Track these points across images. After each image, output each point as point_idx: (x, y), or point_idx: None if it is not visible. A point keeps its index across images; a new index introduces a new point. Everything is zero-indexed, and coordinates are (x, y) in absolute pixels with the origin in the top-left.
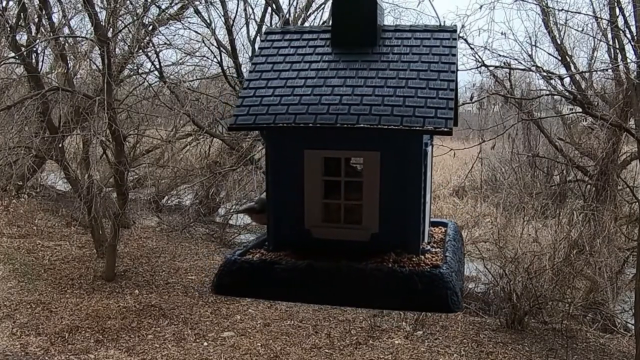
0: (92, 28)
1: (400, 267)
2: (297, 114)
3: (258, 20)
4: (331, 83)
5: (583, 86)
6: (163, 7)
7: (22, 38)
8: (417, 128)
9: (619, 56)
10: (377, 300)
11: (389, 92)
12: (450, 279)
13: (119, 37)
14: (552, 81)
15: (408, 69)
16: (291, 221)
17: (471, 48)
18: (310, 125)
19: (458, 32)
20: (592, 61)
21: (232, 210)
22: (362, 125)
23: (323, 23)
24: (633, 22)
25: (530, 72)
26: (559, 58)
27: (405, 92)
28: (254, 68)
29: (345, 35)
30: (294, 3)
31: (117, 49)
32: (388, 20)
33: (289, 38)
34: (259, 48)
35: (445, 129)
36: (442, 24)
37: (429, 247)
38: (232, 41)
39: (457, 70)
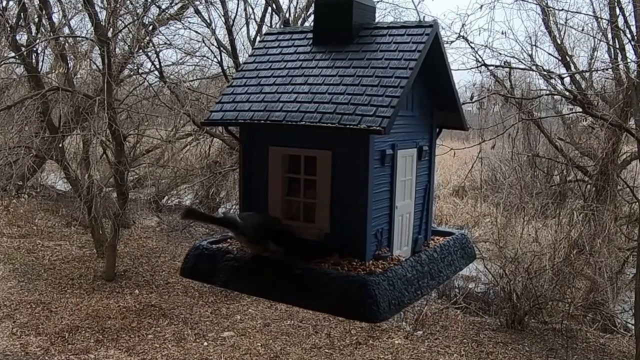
0: (92, 28)
1: (331, 270)
2: (255, 111)
3: (258, 20)
4: (296, 82)
5: (583, 86)
6: (163, 7)
7: (22, 38)
8: (351, 127)
9: (619, 56)
10: (305, 300)
11: (341, 90)
12: (374, 288)
13: (119, 37)
14: (552, 81)
15: (368, 66)
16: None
17: (472, 47)
18: (262, 122)
19: (458, 30)
20: (592, 61)
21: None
22: (304, 123)
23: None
24: (633, 22)
25: (531, 72)
26: (559, 58)
27: (355, 90)
28: (241, 68)
29: (323, 34)
30: (294, 3)
31: (117, 49)
32: (388, 20)
33: (281, 38)
34: (253, 48)
35: (377, 128)
36: (422, 19)
37: (390, 253)
38: (232, 41)
39: (454, 70)
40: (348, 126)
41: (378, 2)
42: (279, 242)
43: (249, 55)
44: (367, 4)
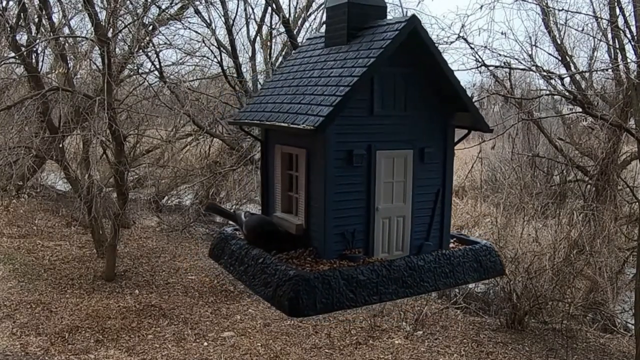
0: (92, 28)
1: (282, 263)
2: (256, 112)
3: (258, 20)
4: (292, 84)
5: (583, 86)
6: (163, 7)
7: (22, 38)
8: (295, 126)
9: (619, 56)
10: (257, 287)
11: (311, 90)
12: (300, 284)
13: (119, 37)
14: (552, 81)
15: (342, 66)
16: (270, 208)
17: (471, 48)
18: (255, 122)
19: (458, 31)
20: (592, 61)
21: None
22: (272, 123)
23: (322, 23)
24: (633, 22)
25: (530, 72)
26: (559, 58)
27: (319, 90)
28: (275, 72)
29: (329, 37)
30: (294, 3)
31: (117, 49)
32: None
33: (314, 42)
34: (293, 52)
35: (310, 127)
36: (405, 13)
37: (362, 255)
38: (232, 41)
39: (454, 70)
40: (293, 125)
41: None
42: (270, 239)
43: (284, 60)
44: (370, 4)
